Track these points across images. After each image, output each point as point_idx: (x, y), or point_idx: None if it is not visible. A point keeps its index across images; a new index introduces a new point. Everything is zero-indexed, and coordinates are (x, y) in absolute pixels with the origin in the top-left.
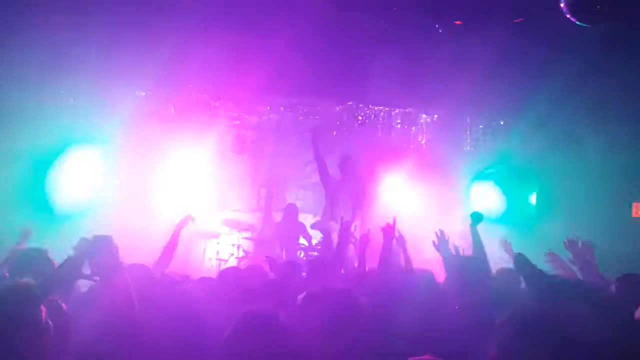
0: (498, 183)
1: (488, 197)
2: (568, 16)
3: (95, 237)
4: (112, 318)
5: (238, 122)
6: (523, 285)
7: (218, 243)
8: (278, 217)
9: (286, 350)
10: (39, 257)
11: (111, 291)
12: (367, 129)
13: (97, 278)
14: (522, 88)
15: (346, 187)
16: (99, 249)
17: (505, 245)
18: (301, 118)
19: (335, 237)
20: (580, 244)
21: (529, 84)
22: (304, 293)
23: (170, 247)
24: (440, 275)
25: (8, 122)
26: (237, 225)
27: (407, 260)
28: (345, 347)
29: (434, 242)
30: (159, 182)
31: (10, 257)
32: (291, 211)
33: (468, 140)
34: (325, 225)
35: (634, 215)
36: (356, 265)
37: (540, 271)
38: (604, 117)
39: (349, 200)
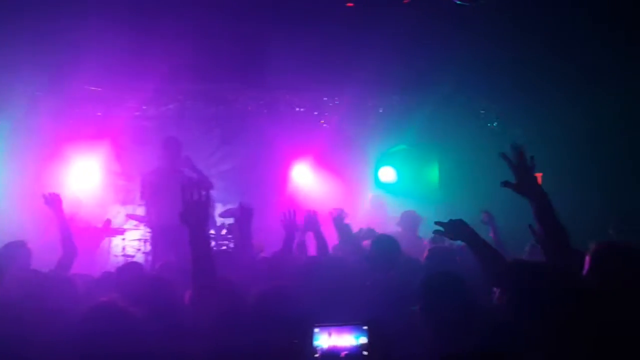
0: (403, 161)
1: (393, 176)
2: None
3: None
4: None
5: (137, 114)
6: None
7: (124, 239)
8: None
9: (134, 338)
10: None
11: None
12: (272, 115)
13: None
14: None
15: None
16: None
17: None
18: (202, 105)
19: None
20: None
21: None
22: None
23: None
24: None
25: None
26: (143, 219)
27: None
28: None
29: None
30: (58, 181)
31: None
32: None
33: (371, 121)
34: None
35: None
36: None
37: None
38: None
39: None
